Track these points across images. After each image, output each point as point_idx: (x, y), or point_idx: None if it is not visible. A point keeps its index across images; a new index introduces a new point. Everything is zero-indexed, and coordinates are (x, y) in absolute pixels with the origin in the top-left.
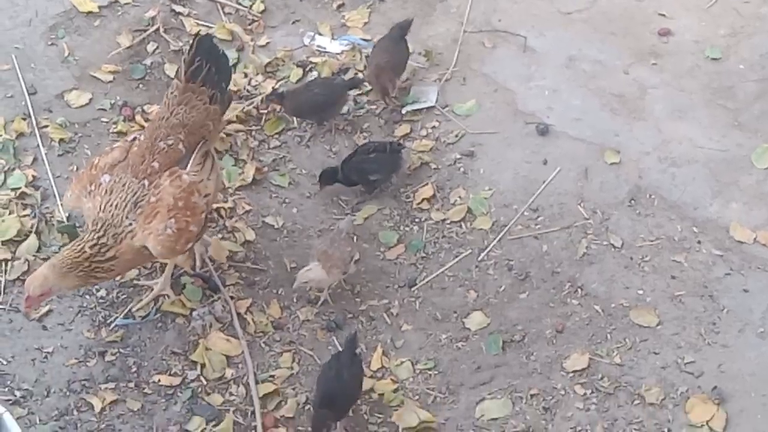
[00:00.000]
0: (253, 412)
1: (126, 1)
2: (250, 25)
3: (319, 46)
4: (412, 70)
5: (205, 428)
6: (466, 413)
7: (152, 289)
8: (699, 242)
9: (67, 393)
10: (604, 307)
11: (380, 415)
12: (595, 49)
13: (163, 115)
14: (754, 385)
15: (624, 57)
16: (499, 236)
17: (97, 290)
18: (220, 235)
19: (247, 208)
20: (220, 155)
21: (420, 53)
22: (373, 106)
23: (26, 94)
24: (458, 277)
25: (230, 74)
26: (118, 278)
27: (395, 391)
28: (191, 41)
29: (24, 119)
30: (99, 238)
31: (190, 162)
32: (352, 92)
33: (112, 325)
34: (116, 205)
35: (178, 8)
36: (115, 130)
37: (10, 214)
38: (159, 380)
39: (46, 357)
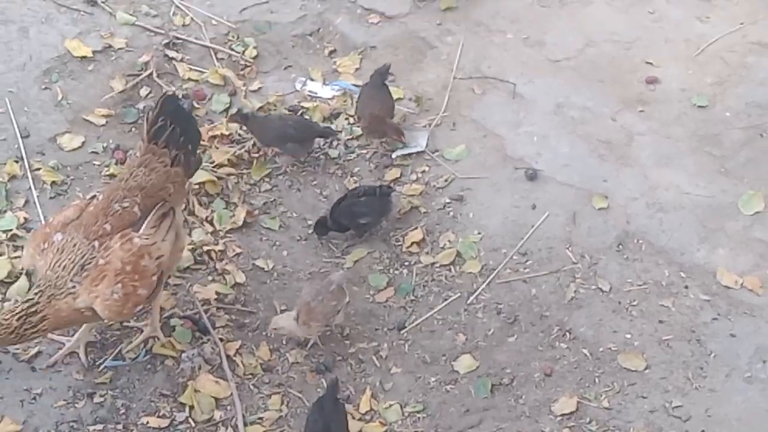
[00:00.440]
0: None
1: (120, 45)
2: (242, 70)
3: (310, 91)
4: (402, 115)
5: None
6: None
7: (142, 331)
8: (686, 287)
9: None
10: (592, 350)
11: None
12: (583, 96)
13: (123, 177)
14: (741, 429)
15: (612, 104)
16: (488, 280)
17: (90, 331)
18: (210, 278)
19: (238, 250)
20: (211, 198)
21: (410, 99)
22: (364, 151)
23: (19, 137)
24: (447, 320)
25: (198, 136)
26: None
27: None
28: (156, 101)
29: (17, 162)
30: (29, 305)
31: (144, 224)
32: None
33: (102, 366)
34: (64, 266)
35: (172, 53)
36: (107, 173)
37: (1, 255)
38: (147, 422)
39: (34, 398)
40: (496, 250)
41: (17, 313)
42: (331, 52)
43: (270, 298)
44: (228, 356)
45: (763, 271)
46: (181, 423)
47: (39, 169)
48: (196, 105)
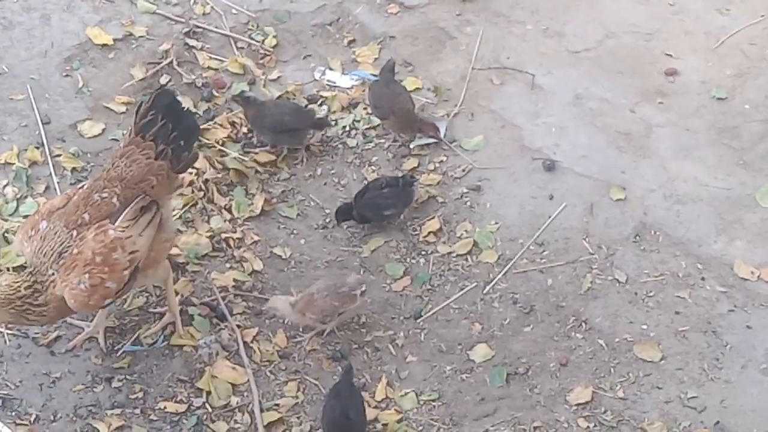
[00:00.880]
0: None
1: (140, 34)
2: (262, 59)
3: (329, 80)
4: (420, 105)
5: None
6: None
7: (161, 317)
8: (703, 279)
9: (74, 418)
10: (608, 341)
11: None
12: (602, 88)
13: (106, 167)
14: (756, 420)
15: (631, 96)
16: (505, 270)
17: (106, 317)
18: (228, 265)
19: (256, 238)
20: (230, 186)
21: (429, 89)
22: (381, 140)
23: (40, 123)
24: (463, 309)
25: (195, 132)
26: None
27: (399, 421)
28: (151, 95)
29: (37, 148)
30: (33, 281)
31: (121, 217)
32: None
33: (120, 351)
34: (45, 253)
35: (192, 42)
36: None
37: None
38: (165, 407)
39: (53, 382)
40: (513, 240)
41: (25, 281)
42: (350, 42)
43: (287, 286)
44: (245, 343)
45: None
46: (198, 408)
47: (59, 155)
48: (216, 93)
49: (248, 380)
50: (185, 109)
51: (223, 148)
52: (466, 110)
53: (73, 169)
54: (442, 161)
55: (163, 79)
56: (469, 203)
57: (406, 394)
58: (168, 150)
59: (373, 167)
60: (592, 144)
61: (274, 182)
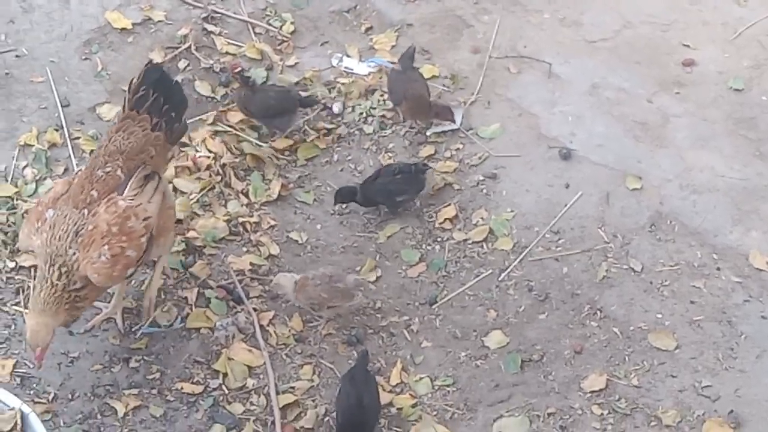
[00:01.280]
0: (273, 422)
1: (159, 18)
2: (279, 45)
3: (346, 67)
4: (437, 92)
5: None
6: (484, 430)
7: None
8: (718, 269)
9: (92, 397)
10: (622, 329)
11: (398, 429)
12: (619, 77)
13: (103, 143)
14: None
15: (648, 86)
16: (520, 257)
17: (123, 298)
18: (244, 249)
19: (272, 223)
20: (247, 171)
21: (446, 76)
22: (398, 127)
23: (59, 106)
24: (478, 296)
25: (184, 104)
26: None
27: (413, 406)
28: (140, 71)
29: (57, 130)
30: (59, 269)
31: (127, 187)
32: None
33: (138, 332)
34: (59, 237)
35: (210, 27)
36: None
37: None
38: (182, 387)
39: (71, 361)
40: (529, 228)
41: (51, 276)
42: (367, 29)
43: (303, 270)
44: (261, 326)
45: None
46: (214, 390)
47: (78, 137)
48: (233, 79)
49: (264, 363)
50: (174, 82)
51: (240, 133)
52: (482, 98)
53: (92, 151)
54: (458, 149)
55: (182, 64)
56: (485, 191)
57: (420, 379)
58: (161, 122)
59: (389, 154)
60: (609, 133)
61: (290, 168)
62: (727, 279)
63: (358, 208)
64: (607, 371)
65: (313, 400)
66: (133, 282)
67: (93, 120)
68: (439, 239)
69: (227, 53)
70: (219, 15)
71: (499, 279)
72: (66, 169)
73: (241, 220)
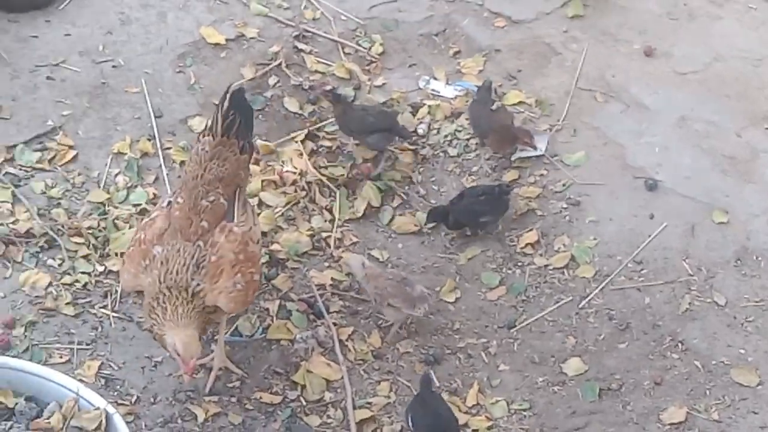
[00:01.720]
0: None
1: (252, 35)
2: (368, 65)
3: (433, 89)
4: (523, 118)
5: None
6: None
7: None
8: None
9: (173, 402)
10: (704, 363)
11: None
12: (708, 110)
13: (196, 173)
14: None
15: (737, 120)
16: (602, 285)
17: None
18: (326, 264)
19: (354, 240)
20: (332, 189)
21: (531, 104)
22: (482, 150)
23: (153, 116)
24: (558, 322)
25: (253, 123)
26: None
27: (489, 428)
28: (224, 95)
29: (149, 140)
30: (185, 294)
31: (235, 213)
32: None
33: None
34: (177, 271)
35: (301, 45)
36: None
37: (130, 228)
38: (260, 397)
39: (155, 366)
40: (611, 256)
41: (183, 299)
42: (455, 53)
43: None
44: (340, 341)
45: None
46: (292, 401)
47: (170, 148)
48: (324, 98)
49: (342, 377)
50: (248, 102)
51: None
52: (569, 126)
53: (182, 162)
54: (542, 174)
55: (272, 80)
56: (567, 217)
57: (497, 401)
58: (246, 144)
59: (473, 177)
60: (696, 166)
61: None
62: None
63: (440, 228)
64: (687, 404)
65: (389, 417)
66: None
67: (184, 131)
68: (519, 264)
69: (317, 71)
70: (310, 34)
71: (580, 306)
72: (156, 178)
73: (324, 235)
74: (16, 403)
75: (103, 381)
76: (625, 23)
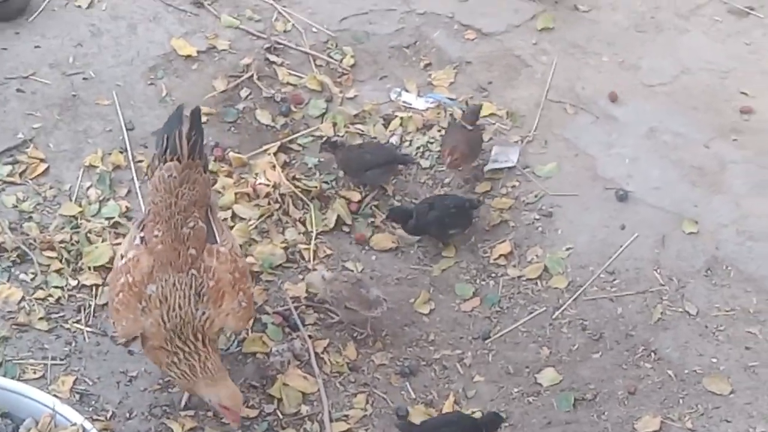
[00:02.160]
0: None
1: (223, 47)
2: (339, 77)
3: (405, 101)
4: (494, 130)
5: None
6: None
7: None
8: None
9: (149, 417)
10: (677, 372)
11: None
12: (676, 122)
13: (169, 202)
14: None
15: (705, 131)
16: (575, 296)
17: None
18: (300, 276)
19: (328, 252)
20: (305, 201)
21: (502, 116)
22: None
23: (124, 129)
24: (532, 333)
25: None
26: None
27: None
28: (179, 116)
29: (121, 153)
30: (195, 336)
31: (215, 233)
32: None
33: None
34: (179, 306)
35: (272, 57)
36: None
37: (103, 241)
38: None
39: (130, 381)
40: (584, 267)
41: (199, 351)
42: (426, 65)
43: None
44: (316, 353)
45: None
46: (269, 414)
47: (142, 161)
48: (294, 109)
49: (318, 390)
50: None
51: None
52: (539, 137)
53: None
54: (514, 186)
55: (243, 92)
56: (540, 229)
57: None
58: (205, 161)
59: (446, 188)
60: (666, 177)
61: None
62: None
63: (412, 240)
64: (661, 413)
65: (366, 430)
66: None
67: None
68: (493, 275)
69: (288, 83)
70: (281, 46)
71: (553, 317)
72: (129, 191)
73: (298, 247)
74: None
75: (77, 396)
76: (593, 36)
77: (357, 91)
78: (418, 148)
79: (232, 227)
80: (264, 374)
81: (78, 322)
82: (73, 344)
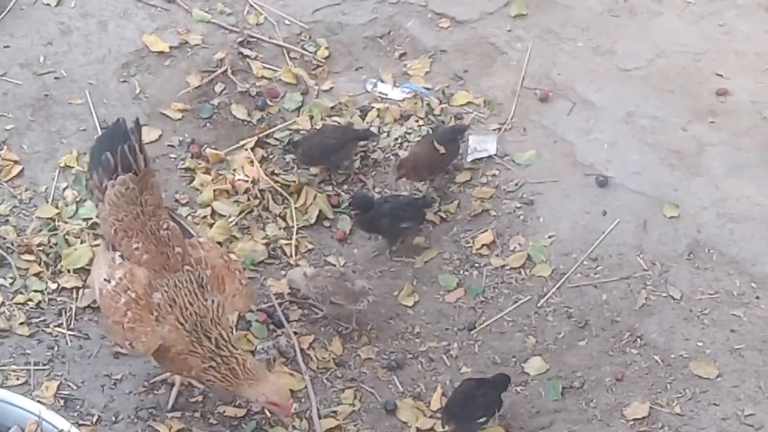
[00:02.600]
0: None
1: (195, 42)
2: (314, 70)
3: (381, 92)
4: (471, 118)
5: None
6: None
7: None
8: (757, 297)
9: (135, 420)
10: (663, 357)
11: None
12: (653, 106)
13: (135, 213)
14: None
15: (682, 114)
16: (559, 284)
17: None
18: (283, 272)
19: (310, 246)
20: (285, 196)
21: (479, 104)
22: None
23: (99, 128)
24: (517, 322)
25: None
26: None
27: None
28: (132, 132)
29: None
30: (221, 335)
31: (188, 228)
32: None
33: None
34: (190, 303)
35: (246, 51)
36: (183, 167)
37: (81, 243)
38: (224, 411)
39: (115, 384)
40: (567, 254)
41: (225, 348)
42: (401, 55)
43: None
44: (302, 350)
45: None
46: (257, 413)
47: None
48: (269, 102)
49: (306, 387)
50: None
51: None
52: (518, 125)
53: None
54: (494, 175)
55: (218, 88)
56: (522, 217)
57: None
58: (149, 164)
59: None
60: (644, 161)
61: (329, 192)
62: (767, 307)
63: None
64: (649, 399)
65: (355, 425)
66: None
67: None
68: (476, 265)
69: (263, 77)
70: (255, 39)
71: (538, 305)
72: None
73: (279, 243)
74: None
75: (62, 401)
76: (567, 21)
77: (332, 83)
78: (396, 138)
79: (212, 225)
80: None
81: (60, 325)
82: (56, 348)
